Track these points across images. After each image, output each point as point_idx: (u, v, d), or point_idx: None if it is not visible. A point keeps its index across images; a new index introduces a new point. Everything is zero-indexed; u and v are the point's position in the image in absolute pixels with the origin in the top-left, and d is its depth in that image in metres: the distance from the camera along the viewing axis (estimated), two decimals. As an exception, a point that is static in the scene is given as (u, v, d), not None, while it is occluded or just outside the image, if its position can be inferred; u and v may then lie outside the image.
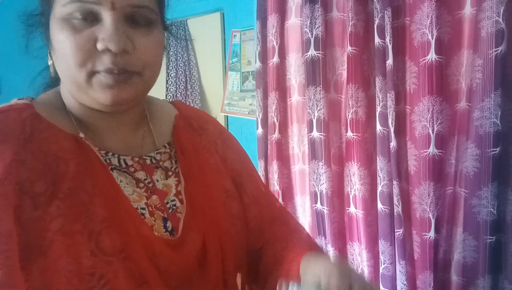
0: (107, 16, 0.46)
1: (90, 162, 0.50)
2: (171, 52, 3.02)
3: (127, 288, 0.46)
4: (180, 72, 3.00)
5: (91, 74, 0.48)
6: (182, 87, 3.00)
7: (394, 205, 1.44)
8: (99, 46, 0.46)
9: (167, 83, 3.06)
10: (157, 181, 0.57)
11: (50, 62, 0.54)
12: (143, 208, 0.53)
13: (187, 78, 3.00)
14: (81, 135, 0.52)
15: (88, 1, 0.45)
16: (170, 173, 0.59)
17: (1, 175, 0.44)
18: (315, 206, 1.61)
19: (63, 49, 0.47)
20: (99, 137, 0.55)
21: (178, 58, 3.01)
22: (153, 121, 0.63)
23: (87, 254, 0.45)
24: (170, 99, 3.16)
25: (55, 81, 0.57)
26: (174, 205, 0.57)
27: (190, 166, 0.59)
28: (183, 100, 3.03)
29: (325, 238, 1.59)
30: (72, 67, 0.47)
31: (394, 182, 1.43)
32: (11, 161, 0.45)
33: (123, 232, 0.47)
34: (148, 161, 0.58)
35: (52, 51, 0.50)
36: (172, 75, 3.04)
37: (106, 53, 0.46)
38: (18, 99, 0.53)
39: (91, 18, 0.46)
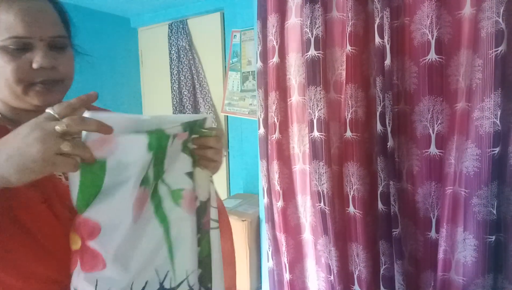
0: (38, 45, 0.66)
1: None
2: (172, 52, 3.01)
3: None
4: (186, 69, 2.96)
5: (28, 86, 0.67)
6: (190, 84, 2.96)
7: (391, 205, 1.44)
8: (35, 65, 0.66)
9: (171, 83, 3.05)
10: None
11: None
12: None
13: (193, 76, 2.96)
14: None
15: (23, 37, 0.65)
16: None
17: None
18: (319, 205, 1.61)
19: (3, 70, 0.65)
20: None
21: (181, 56, 2.97)
22: None
23: None
24: (175, 98, 3.11)
25: None
26: None
27: None
28: (191, 98, 3.01)
29: (328, 238, 1.59)
30: (12, 83, 0.66)
31: (391, 182, 1.43)
32: None
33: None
34: None
35: None
36: (174, 73, 3.02)
37: (40, 70, 0.66)
38: None
39: (24, 48, 0.66)
